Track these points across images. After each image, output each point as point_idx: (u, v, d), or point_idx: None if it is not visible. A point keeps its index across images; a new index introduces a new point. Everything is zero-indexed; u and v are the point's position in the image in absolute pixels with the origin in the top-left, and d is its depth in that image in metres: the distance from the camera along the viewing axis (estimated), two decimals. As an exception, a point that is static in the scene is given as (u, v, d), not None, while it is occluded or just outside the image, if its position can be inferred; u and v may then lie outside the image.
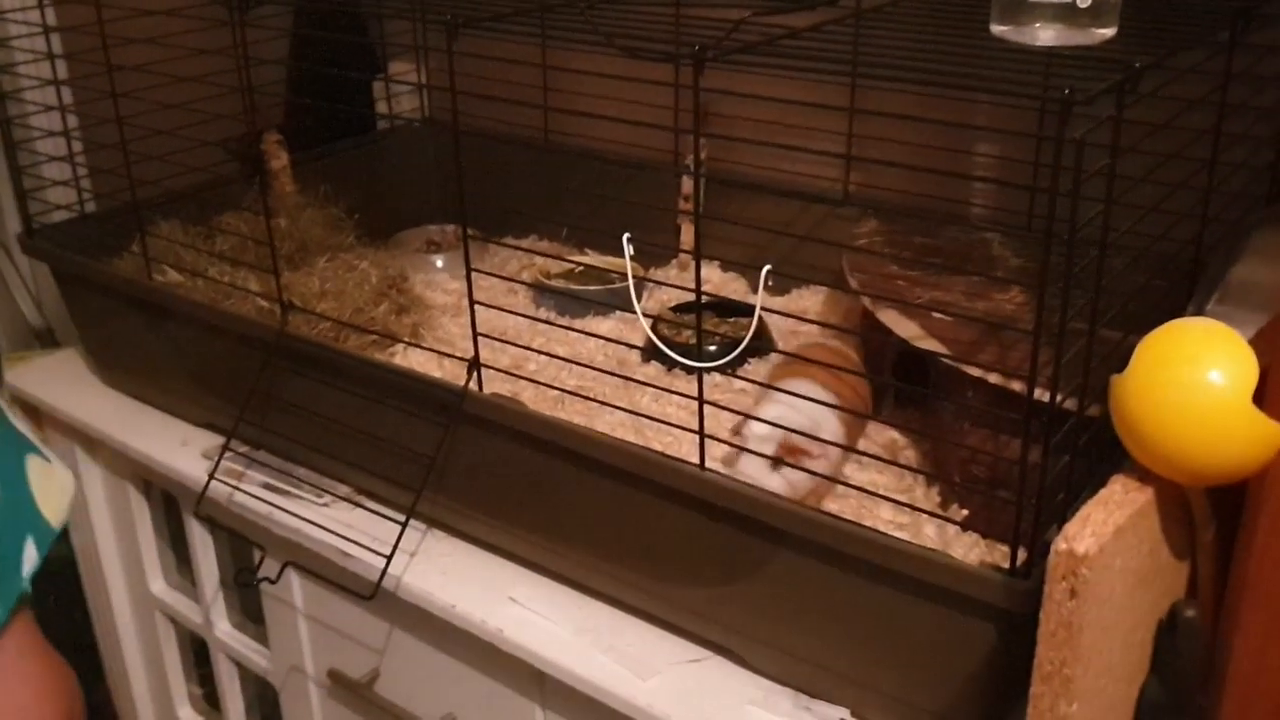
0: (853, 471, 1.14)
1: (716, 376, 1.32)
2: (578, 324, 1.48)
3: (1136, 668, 0.85)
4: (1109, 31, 0.86)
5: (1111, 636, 0.78)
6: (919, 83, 0.87)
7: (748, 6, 0.99)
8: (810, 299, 1.53)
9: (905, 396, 1.26)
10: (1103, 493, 0.79)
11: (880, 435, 1.22)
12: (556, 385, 1.21)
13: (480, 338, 1.12)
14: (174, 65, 1.32)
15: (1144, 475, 0.80)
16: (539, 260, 1.64)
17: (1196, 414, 0.74)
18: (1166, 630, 0.85)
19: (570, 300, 1.53)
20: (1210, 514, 0.82)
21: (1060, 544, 0.73)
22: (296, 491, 1.30)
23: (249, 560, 1.35)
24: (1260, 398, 0.74)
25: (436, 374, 1.24)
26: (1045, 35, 0.86)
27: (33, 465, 0.74)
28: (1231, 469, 0.75)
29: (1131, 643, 0.82)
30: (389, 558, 1.13)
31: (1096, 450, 0.86)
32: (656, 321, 1.42)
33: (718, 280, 1.60)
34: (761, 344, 1.37)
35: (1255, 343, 0.78)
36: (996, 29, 0.88)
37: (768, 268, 1.00)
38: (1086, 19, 0.85)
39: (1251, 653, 0.79)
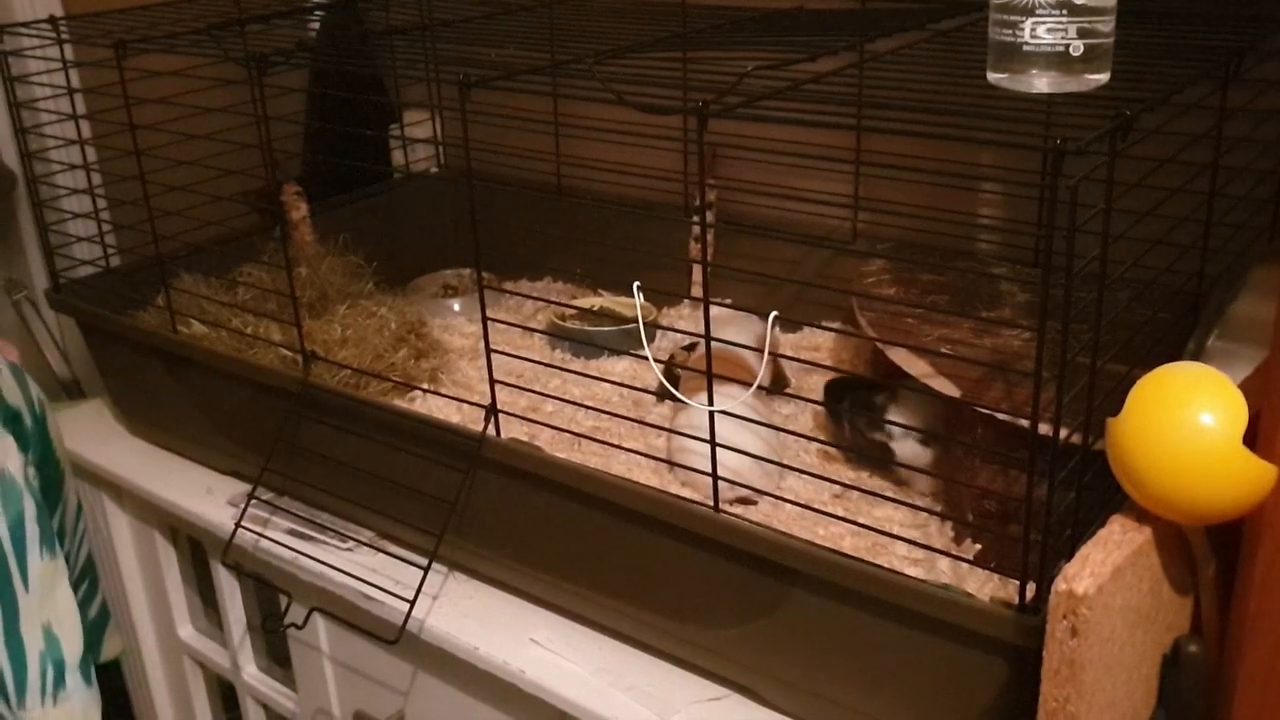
0: (868, 509, 1.16)
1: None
2: (592, 365, 1.51)
3: (1142, 702, 0.86)
4: (1102, 77, 0.88)
5: (1114, 673, 0.80)
6: (922, 135, 0.89)
7: (753, 58, 1.01)
8: (823, 336, 1.55)
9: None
10: (1101, 533, 0.80)
11: (894, 473, 1.24)
12: (572, 429, 1.23)
13: (497, 383, 1.15)
14: (193, 123, 1.36)
15: (1142, 515, 0.81)
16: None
17: (1189, 456, 0.76)
18: (1171, 665, 0.86)
19: (584, 342, 1.56)
20: (1210, 550, 0.84)
21: (1060, 584, 0.75)
22: (321, 537, 1.32)
23: (275, 605, 1.37)
24: (1251, 439, 0.75)
25: (455, 419, 1.26)
26: (1040, 83, 0.87)
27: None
28: (1226, 508, 0.77)
29: (1136, 678, 0.83)
30: (412, 602, 1.15)
31: (1106, 484, 0.86)
32: (670, 361, 1.44)
33: (730, 319, 1.61)
34: (774, 384, 1.38)
35: (1247, 384, 0.80)
36: (993, 77, 0.90)
37: (774, 314, 1.02)
38: (1080, 66, 0.87)
39: (1255, 686, 0.80)
